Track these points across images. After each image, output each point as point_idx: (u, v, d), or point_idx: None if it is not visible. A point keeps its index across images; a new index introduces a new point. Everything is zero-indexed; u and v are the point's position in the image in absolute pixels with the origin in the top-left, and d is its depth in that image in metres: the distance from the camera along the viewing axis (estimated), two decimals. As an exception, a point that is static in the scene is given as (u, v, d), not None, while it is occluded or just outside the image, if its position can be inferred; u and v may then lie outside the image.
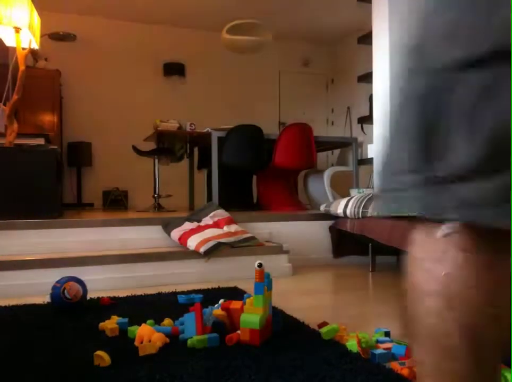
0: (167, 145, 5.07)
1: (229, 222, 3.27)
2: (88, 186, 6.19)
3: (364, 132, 5.75)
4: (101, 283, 2.65)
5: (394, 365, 1.40)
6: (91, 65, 6.35)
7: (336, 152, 5.90)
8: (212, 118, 5.64)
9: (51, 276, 2.61)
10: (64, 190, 5.74)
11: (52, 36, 5.91)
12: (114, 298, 2.35)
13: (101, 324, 1.80)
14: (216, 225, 3.24)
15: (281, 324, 1.79)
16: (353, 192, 3.91)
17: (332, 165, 5.97)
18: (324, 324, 1.77)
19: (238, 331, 1.65)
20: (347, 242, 3.40)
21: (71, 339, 1.70)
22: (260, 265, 1.64)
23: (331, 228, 3.49)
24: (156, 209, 4.83)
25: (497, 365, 0.67)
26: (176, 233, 3.04)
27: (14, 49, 3.28)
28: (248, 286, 2.51)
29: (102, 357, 1.43)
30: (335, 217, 3.45)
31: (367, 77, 4.33)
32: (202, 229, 3.11)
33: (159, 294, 2.45)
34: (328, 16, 6.36)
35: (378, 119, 3.71)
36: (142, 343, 1.60)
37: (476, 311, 0.63)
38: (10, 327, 1.88)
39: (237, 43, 5.05)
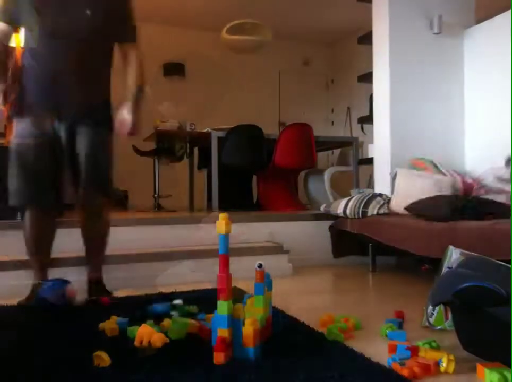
0: (167, 145, 5.06)
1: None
2: (88, 186, 6.17)
3: (364, 132, 5.75)
4: (101, 283, 2.65)
5: (394, 365, 1.40)
6: (91, 65, 6.33)
7: (337, 151, 5.90)
8: (212, 118, 5.63)
9: (52, 276, 2.61)
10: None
11: (52, 36, 5.90)
12: (114, 298, 2.35)
13: (101, 324, 1.79)
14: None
15: (281, 325, 1.79)
16: (354, 192, 3.90)
17: (332, 165, 5.97)
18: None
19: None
20: (347, 242, 3.39)
21: (71, 339, 1.70)
22: (260, 266, 1.64)
23: (331, 228, 3.48)
24: (156, 209, 4.82)
25: None
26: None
27: (13, 48, 3.28)
28: (248, 286, 2.51)
29: (102, 357, 1.43)
30: (335, 217, 3.45)
31: (367, 77, 4.33)
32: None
33: (159, 294, 2.45)
34: (328, 16, 6.35)
35: (378, 119, 3.71)
36: (142, 343, 1.60)
37: None
38: (10, 327, 1.88)
39: (237, 43, 5.05)
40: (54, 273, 2.59)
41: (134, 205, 6.03)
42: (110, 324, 1.77)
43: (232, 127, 4.28)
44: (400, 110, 3.57)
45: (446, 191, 3.13)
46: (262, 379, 1.33)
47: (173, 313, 1.92)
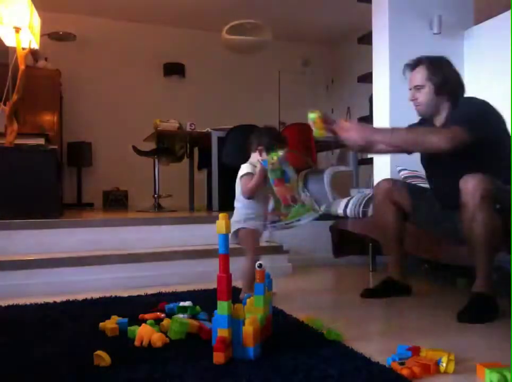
0: (167, 145, 5.06)
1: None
2: (88, 186, 6.19)
3: (364, 132, 5.73)
4: (101, 283, 2.65)
5: (394, 365, 1.40)
6: (91, 65, 6.34)
7: (337, 151, 5.89)
8: (212, 118, 5.62)
9: (51, 276, 2.62)
10: (64, 190, 5.74)
11: (52, 36, 5.91)
12: (114, 298, 2.35)
13: (101, 324, 1.80)
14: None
15: (281, 325, 1.79)
16: (354, 192, 3.90)
17: (332, 165, 5.97)
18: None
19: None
20: (347, 242, 3.39)
21: (71, 339, 1.70)
22: (260, 266, 1.64)
23: (331, 228, 3.48)
24: (156, 209, 4.82)
25: None
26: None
27: (14, 48, 3.28)
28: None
29: (102, 357, 1.43)
30: (335, 217, 3.44)
31: (367, 77, 4.32)
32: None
33: (159, 294, 2.45)
34: (328, 16, 6.35)
35: (378, 119, 3.71)
36: (142, 343, 1.61)
37: None
38: (10, 327, 1.88)
39: (237, 43, 5.05)
40: (54, 272, 2.60)
41: (134, 205, 6.03)
42: (110, 324, 1.77)
43: (232, 127, 4.27)
44: (400, 110, 3.57)
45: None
46: (261, 378, 1.33)
47: (182, 315, 1.91)
